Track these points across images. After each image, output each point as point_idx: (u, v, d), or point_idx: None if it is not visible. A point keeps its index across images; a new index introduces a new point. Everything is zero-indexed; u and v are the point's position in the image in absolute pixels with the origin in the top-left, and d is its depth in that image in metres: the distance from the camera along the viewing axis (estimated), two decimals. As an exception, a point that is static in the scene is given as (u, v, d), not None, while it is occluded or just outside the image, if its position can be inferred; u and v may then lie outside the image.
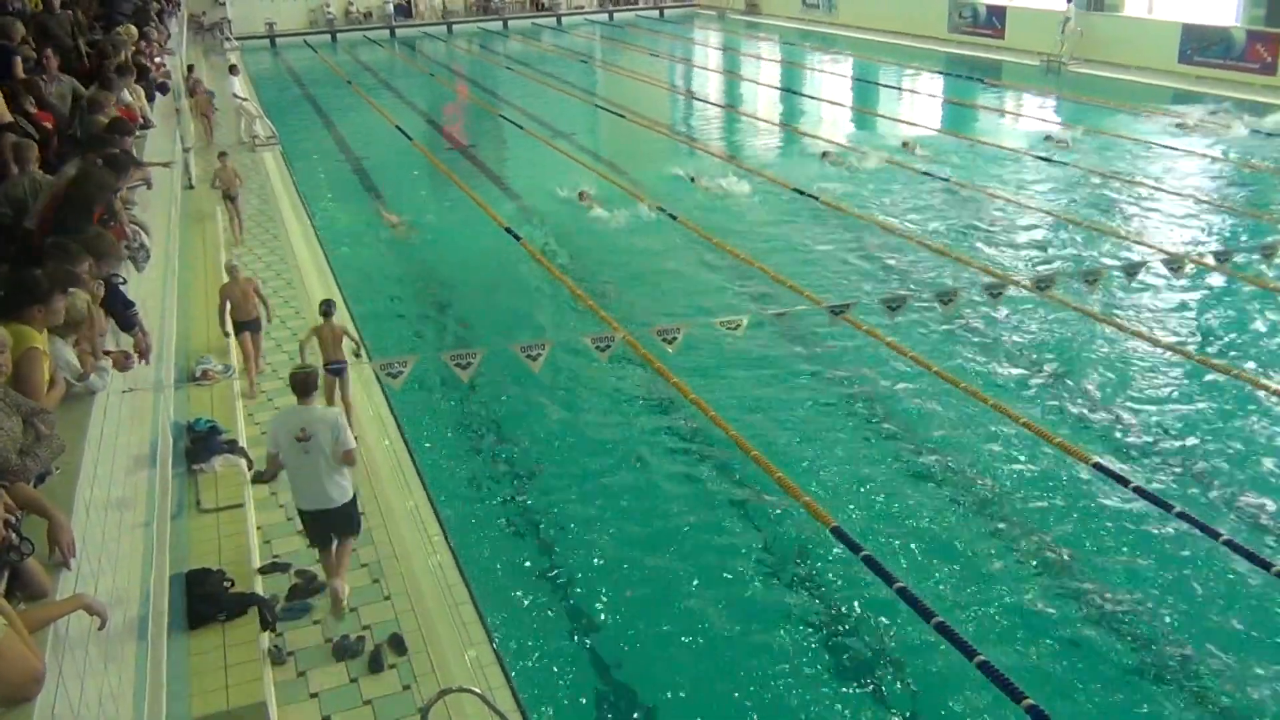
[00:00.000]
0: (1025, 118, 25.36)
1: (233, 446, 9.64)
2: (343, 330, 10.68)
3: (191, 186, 19.36)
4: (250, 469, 9.61)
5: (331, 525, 7.85)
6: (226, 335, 11.77)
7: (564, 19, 51.08)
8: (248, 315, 11.46)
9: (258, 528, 8.90)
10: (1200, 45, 28.33)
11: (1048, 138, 22.94)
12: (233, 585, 7.54)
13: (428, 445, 10.69)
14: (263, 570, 8.25)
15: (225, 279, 12.05)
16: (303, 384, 7.68)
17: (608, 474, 10.15)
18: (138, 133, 12.40)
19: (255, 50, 43.16)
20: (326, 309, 10.60)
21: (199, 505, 8.83)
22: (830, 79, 33.37)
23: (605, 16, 51.89)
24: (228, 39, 42.45)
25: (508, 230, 17.57)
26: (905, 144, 22.72)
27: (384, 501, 9.32)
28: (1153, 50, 29.55)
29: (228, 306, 11.53)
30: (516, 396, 11.72)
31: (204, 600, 7.30)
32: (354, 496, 7.88)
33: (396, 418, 10.93)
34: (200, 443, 9.53)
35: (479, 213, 18.88)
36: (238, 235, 16.74)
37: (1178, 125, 23.63)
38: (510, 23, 49.99)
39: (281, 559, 8.46)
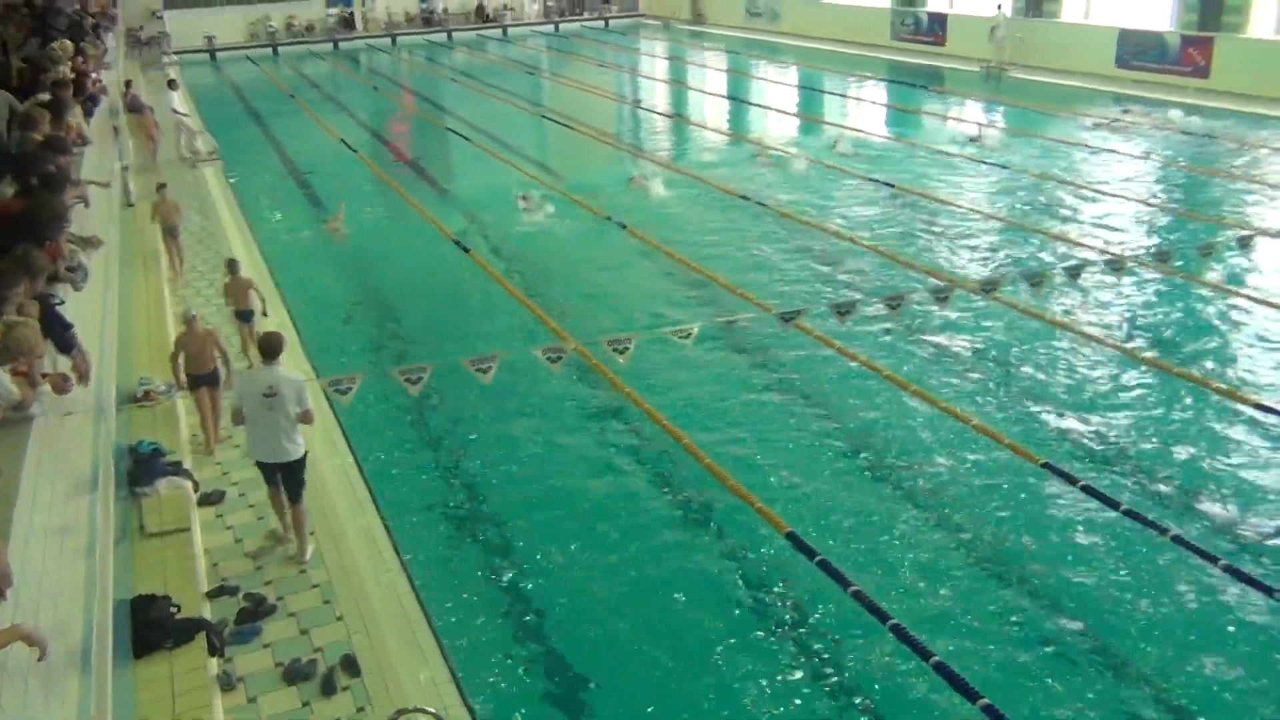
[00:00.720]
0: (966, 123, 25.74)
1: (177, 469, 9.48)
2: (248, 283, 12.51)
3: (131, 205, 19.04)
4: (196, 491, 9.46)
5: (284, 476, 8.61)
6: (181, 388, 10.66)
7: (509, 30, 51.04)
8: (205, 368, 10.35)
9: (204, 551, 8.74)
10: (1136, 50, 28.95)
11: (971, 139, 23.55)
12: (179, 611, 7.39)
13: (379, 462, 10.58)
14: (210, 594, 8.10)
15: (181, 328, 10.92)
16: (272, 346, 8.45)
17: (563, 487, 10.10)
18: (74, 150, 12.17)
19: (194, 65, 42.61)
20: (232, 267, 12.45)
21: (143, 530, 8.65)
22: (775, 87, 33.64)
23: (551, 28, 51.92)
24: (166, 53, 41.88)
25: (456, 242, 17.48)
26: (835, 143, 23.20)
27: (335, 520, 9.19)
28: (1090, 55, 30.16)
29: (182, 358, 10.37)
30: (468, 411, 11.64)
31: (150, 627, 7.15)
32: (305, 454, 8.66)
33: (346, 435, 10.79)
34: (143, 465, 9.36)
35: (427, 226, 18.76)
36: (178, 273, 15.55)
37: (1110, 125, 24.25)
38: (455, 34, 49.84)
39: (229, 582, 8.32)
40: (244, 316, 12.61)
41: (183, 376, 10.39)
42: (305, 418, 8.45)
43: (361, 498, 9.62)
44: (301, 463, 8.61)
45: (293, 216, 20.05)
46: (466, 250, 16.98)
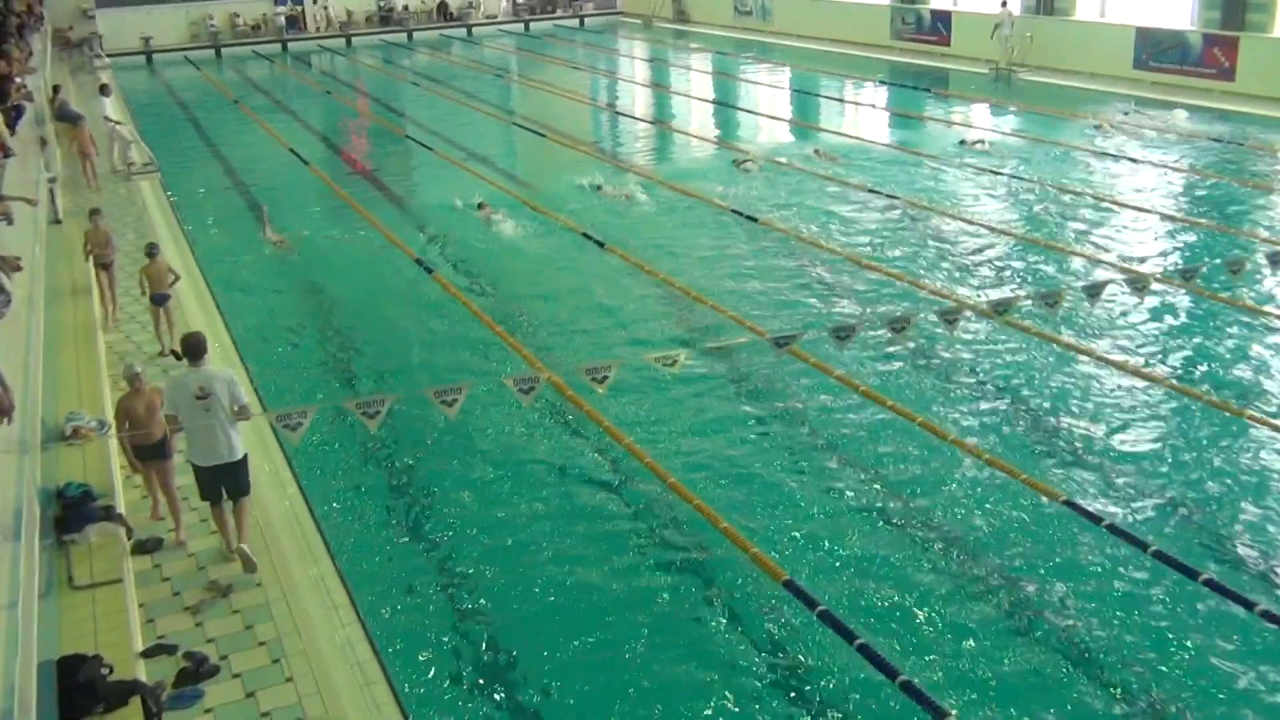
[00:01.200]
0: (973, 129, 25.97)
1: (109, 513, 9.38)
2: (166, 266, 13.63)
3: (59, 221, 18.94)
4: (130, 537, 9.35)
5: (228, 480, 9.02)
6: (132, 469, 9.77)
7: (475, 30, 51.28)
8: (152, 438, 9.47)
9: (139, 605, 8.63)
10: (1155, 50, 29.33)
11: (976, 145, 23.92)
12: (112, 672, 7.30)
13: (333, 506, 10.50)
14: (146, 654, 8.00)
15: (123, 388, 10.00)
16: (195, 346, 8.89)
17: (535, 532, 10.04)
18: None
19: (129, 68, 42.56)
20: (151, 250, 13.55)
21: (71, 582, 8.55)
22: (766, 91, 33.88)
23: (521, 27, 52.19)
24: (98, 56, 41.80)
25: (418, 261, 17.46)
26: (816, 151, 23.70)
27: (284, 570, 9.10)
28: (1106, 55, 30.54)
29: (127, 426, 9.44)
30: (431, 447, 11.58)
31: (79, 691, 7.05)
32: (246, 455, 9.11)
33: (296, 476, 10.71)
34: (72, 510, 9.26)
35: (385, 243, 18.74)
36: (111, 315, 14.64)
37: (1114, 127, 24.80)
38: (415, 34, 50.03)
39: (167, 639, 8.21)
40: (159, 300, 13.52)
41: (130, 455, 9.55)
42: (243, 414, 8.91)
43: (313, 545, 9.54)
44: (244, 465, 9.07)
45: (236, 233, 19.99)
46: (429, 270, 16.96)
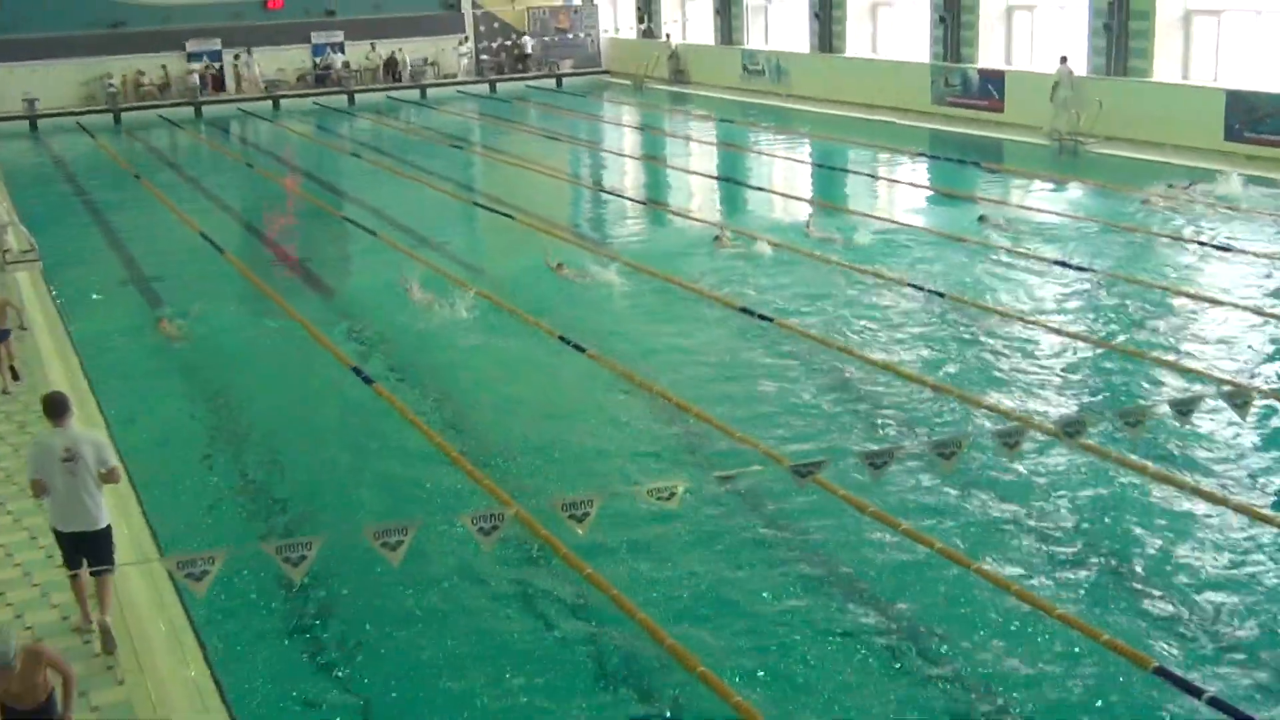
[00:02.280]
0: (1032, 211, 26.32)
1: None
2: (5, 300, 15.81)
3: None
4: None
5: (90, 548, 9.88)
6: None
7: (430, 91, 52.22)
8: (31, 699, 8.58)
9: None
10: (1251, 118, 29.88)
11: (982, 217, 25.06)
12: None
13: (247, 682, 10.33)
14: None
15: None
16: (57, 405, 9.97)
17: (501, 712, 9.90)
18: None
19: (8, 135, 43.21)
20: None
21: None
22: (780, 165, 34.41)
23: (485, 88, 53.18)
24: (-29, 121, 42.44)
25: (355, 370, 17.49)
26: (808, 225, 24.59)
27: (148, 661, 8.97)
28: (1192, 124, 31.05)
29: None
30: (368, 601, 11.46)
31: None
32: (110, 526, 10.04)
33: (200, 640, 10.58)
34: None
35: (315, 348, 18.79)
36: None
37: (1173, 202, 25.71)
38: (358, 96, 50.94)
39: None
40: (1, 336, 15.93)
41: None
42: (111, 476, 10.00)
43: (184, 640, 9.47)
44: (107, 535, 10.03)
45: (133, 335, 20.05)
46: (369, 381, 16.99)
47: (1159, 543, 12.15)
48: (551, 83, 54.21)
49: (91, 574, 9.95)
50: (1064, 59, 33.10)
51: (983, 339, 18.24)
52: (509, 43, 55.36)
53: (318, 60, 52.01)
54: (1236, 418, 13.17)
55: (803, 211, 27.66)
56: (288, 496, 14.12)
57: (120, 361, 18.70)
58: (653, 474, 13.60)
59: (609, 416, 15.83)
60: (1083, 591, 11.32)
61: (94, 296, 23.27)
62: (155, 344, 19.63)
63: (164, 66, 49.80)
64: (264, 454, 15.37)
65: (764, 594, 11.50)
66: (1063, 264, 21.90)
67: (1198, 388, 15.53)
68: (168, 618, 10.89)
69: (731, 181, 32.58)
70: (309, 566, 8.84)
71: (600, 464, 14.40)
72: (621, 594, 11.09)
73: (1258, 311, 19.05)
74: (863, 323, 19.08)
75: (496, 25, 55.59)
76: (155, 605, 10.96)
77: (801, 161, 35.08)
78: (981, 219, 24.99)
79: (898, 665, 10.36)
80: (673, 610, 11.04)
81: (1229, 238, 23.39)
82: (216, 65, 50.66)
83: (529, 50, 55.20)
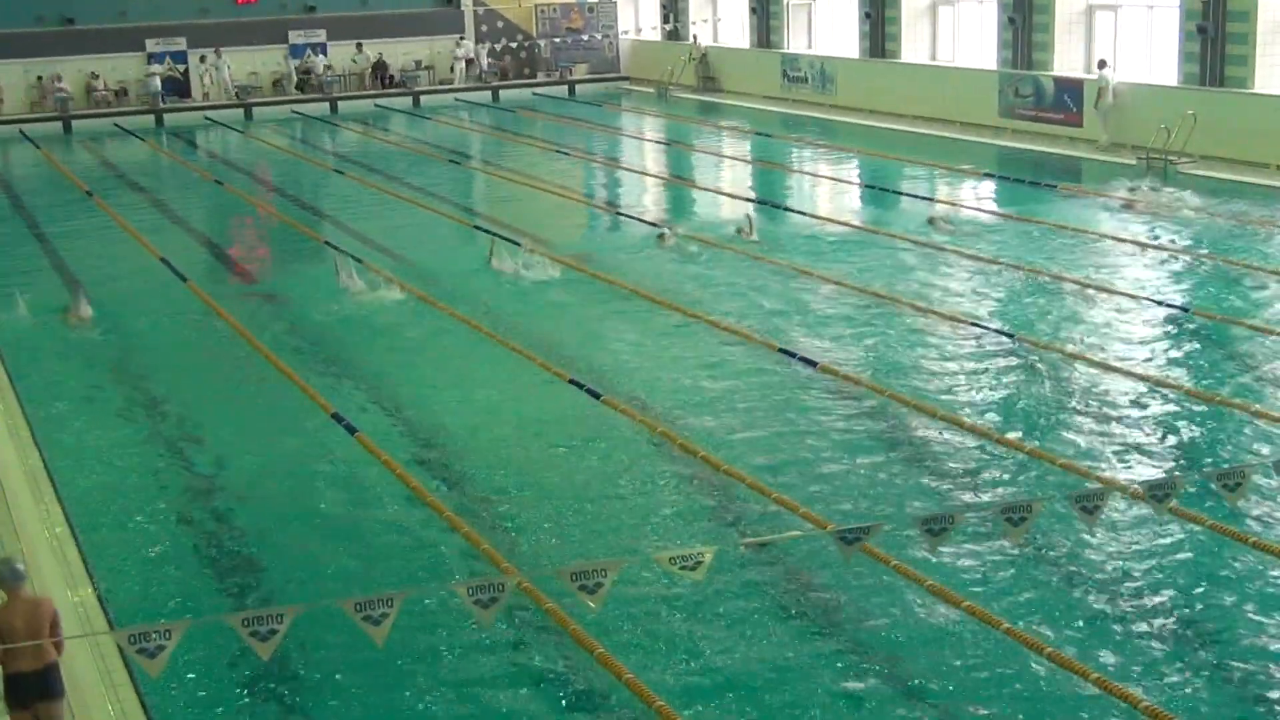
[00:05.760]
0: (1114, 241, 26.29)
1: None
2: None
3: None
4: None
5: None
6: None
7: (424, 99, 52.50)
8: (31, 664, 9.69)
9: None
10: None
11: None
12: None
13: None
14: None
15: None
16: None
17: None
18: None
19: (-55, 147, 43.56)
20: None
21: None
22: (826, 187, 34.47)
23: (487, 95, 53.41)
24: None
25: (335, 417, 17.52)
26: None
27: None
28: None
29: None
30: (348, 679, 11.47)
31: None
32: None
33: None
34: None
35: (292, 392, 18.83)
36: None
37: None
38: (341, 104, 51.21)
39: None
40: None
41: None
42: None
43: None
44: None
45: (85, 379, 20.14)
46: (353, 430, 17.02)
47: (1269, 621, 12.07)
48: (564, 89, 54.37)
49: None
50: (1102, 63, 33.47)
51: (1059, 388, 18.22)
52: (514, 44, 55.53)
53: (297, 63, 52.27)
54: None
55: (844, 234, 27.73)
56: (256, 570, 14.14)
57: (70, 431, 18.75)
58: (675, 539, 13.58)
59: (626, 472, 15.80)
60: (1179, 680, 11.23)
61: (31, 310, 23.31)
62: (98, 382, 19.70)
63: (116, 69, 50.12)
64: (230, 521, 15.38)
65: (802, 676, 11.46)
66: (1153, 301, 21.85)
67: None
68: (117, 699, 10.93)
69: (777, 206, 32.64)
70: (279, 642, 8.84)
71: (615, 526, 14.37)
72: (643, 682, 11.05)
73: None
74: (921, 371, 19.07)
75: (500, 24, 55.79)
76: (104, 684, 10.98)
77: (849, 182, 35.12)
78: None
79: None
80: (694, 690, 11.01)
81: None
82: (180, 67, 50.91)
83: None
